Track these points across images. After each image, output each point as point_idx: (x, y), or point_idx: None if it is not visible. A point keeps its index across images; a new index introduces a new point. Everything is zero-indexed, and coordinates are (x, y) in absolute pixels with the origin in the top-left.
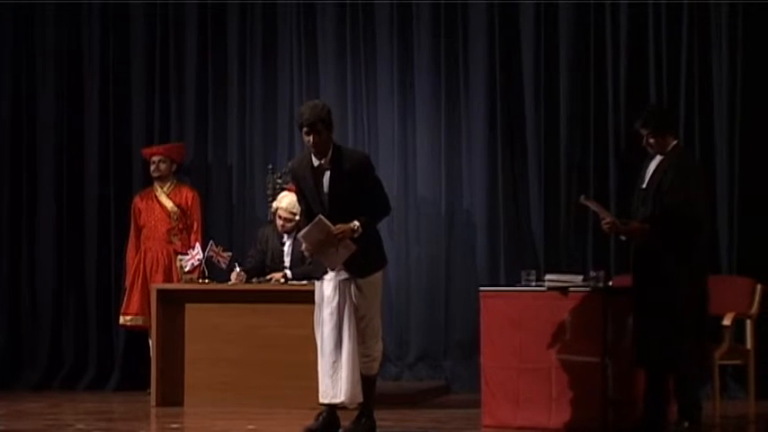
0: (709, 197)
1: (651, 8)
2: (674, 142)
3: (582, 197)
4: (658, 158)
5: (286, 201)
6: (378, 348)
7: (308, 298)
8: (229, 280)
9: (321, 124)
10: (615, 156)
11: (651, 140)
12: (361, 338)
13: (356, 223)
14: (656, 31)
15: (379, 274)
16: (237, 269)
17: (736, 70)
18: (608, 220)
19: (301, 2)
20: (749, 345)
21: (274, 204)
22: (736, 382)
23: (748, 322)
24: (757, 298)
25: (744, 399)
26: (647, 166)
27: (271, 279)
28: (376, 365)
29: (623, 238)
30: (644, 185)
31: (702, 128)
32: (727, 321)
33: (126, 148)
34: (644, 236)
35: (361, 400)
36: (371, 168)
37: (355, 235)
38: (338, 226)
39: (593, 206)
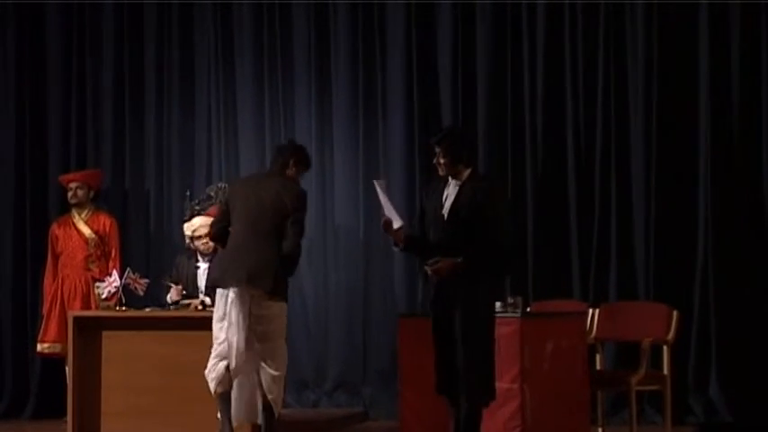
0: (517, 221)
1: (567, 8)
2: (468, 170)
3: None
4: (455, 184)
5: (198, 220)
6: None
7: None
8: (147, 306)
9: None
10: (532, 167)
11: (442, 160)
12: None
13: None
14: (571, 31)
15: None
16: (176, 285)
17: (652, 80)
18: (397, 225)
19: (219, 28)
20: (665, 370)
21: (187, 233)
22: (652, 408)
23: (665, 348)
24: (674, 324)
25: (660, 424)
26: (441, 189)
27: (189, 305)
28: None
29: (428, 271)
30: (444, 212)
31: (619, 151)
32: (644, 347)
33: (42, 174)
34: (455, 271)
35: None
36: (294, 203)
37: None
38: None
39: (381, 197)
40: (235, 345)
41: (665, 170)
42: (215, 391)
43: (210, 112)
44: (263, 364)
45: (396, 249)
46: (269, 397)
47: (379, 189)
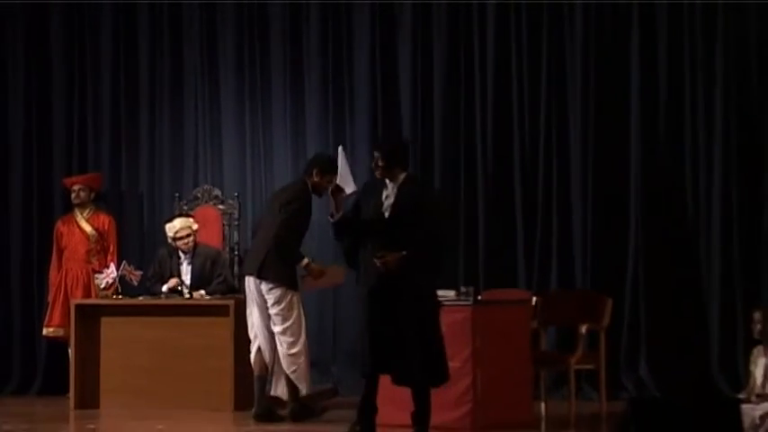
0: (451, 219)
1: (513, 8)
2: (404, 174)
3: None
4: (392, 186)
5: (178, 222)
6: None
7: (209, 311)
8: (141, 295)
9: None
10: (483, 168)
11: (381, 164)
12: None
13: None
14: (517, 33)
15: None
16: (174, 278)
17: (588, 86)
18: (349, 191)
19: (205, 48)
20: (601, 352)
21: (169, 234)
22: (589, 385)
23: (600, 332)
24: (608, 310)
25: (596, 399)
26: (380, 192)
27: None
28: None
29: (377, 263)
30: (384, 210)
31: (560, 155)
32: (581, 331)
33: (48, 176)
34: (402, 264)
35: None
36: (288, 197)
37: None
38: None
39: (341, 162)
40: (254, 328)
41: (600, 171)
42: (254, 373)
43: (197, 121)
44: (277, 345)
45: (330, 220)
46: (290, 375)
47: (341, 156)
